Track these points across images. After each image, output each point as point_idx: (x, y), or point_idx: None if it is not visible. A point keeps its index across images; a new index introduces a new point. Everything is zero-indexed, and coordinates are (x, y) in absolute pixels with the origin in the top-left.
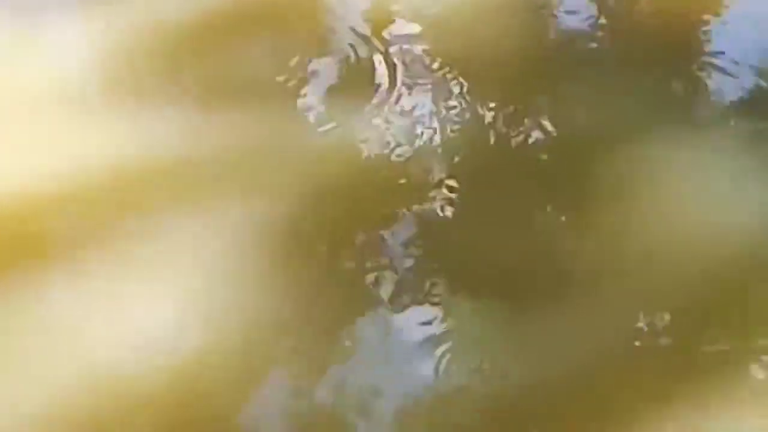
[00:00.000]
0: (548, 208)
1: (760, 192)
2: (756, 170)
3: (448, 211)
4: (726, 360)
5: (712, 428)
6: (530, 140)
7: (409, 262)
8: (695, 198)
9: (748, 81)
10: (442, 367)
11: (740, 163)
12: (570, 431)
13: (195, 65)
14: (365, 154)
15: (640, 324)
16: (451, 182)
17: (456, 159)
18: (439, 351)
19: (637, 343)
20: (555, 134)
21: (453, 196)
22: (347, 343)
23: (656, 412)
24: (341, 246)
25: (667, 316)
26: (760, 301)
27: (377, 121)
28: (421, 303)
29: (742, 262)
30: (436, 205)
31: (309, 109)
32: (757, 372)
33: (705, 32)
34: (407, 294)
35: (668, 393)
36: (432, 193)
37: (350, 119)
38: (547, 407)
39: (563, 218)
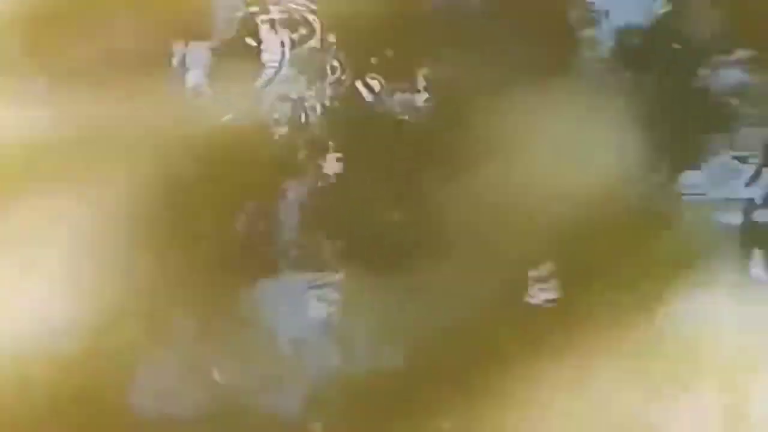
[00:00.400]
0: (429, 171)
1: (634, 142)
2: (629, 121)
3: (333, 180)
4: (612, 312)
5: (602, 380)
6: (410, 106)
7: (296, 233)
8: (572, 151)
9: (617, 33)
10: (332, 330)
11: (613, 114)
12: (462, 387)
13: (67, 43)
14: (250, 129)
15: (526, 278)
16: (337, 154)
17: (339, 130)
18: (329, 315)
19: (525, 299)
20: (433, 98)
21: (338, 166)
22: (238, 312)
23: (547, 365)
24: (229, 219)
25: (552, 268)
26: (641, 251)
27: (260, 96)
28: (309, 270)
29: (621, 212)
30: (322, 176)
31: (192, 87)
32: (643, 323)
33: None
34: (295, 262)
35: (558, 346)
36: (316, 165)
37: (234, 96)
38: (439, 365)
39: (444, 179)
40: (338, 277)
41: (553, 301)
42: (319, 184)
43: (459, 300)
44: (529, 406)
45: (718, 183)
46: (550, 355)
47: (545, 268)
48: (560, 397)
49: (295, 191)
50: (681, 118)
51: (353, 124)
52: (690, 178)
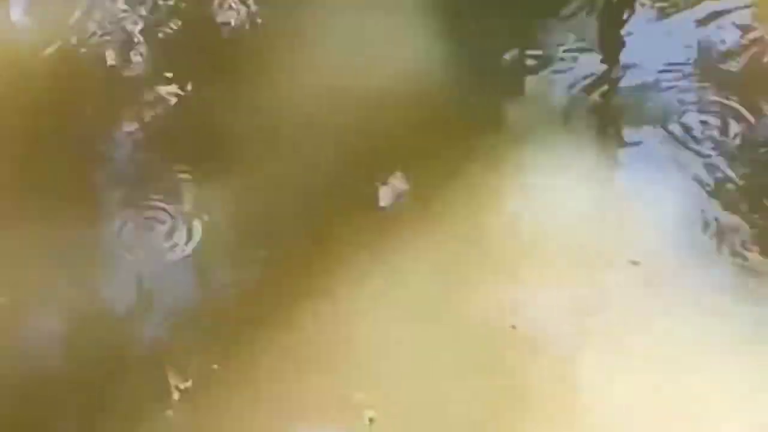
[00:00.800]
0: (263, 79)
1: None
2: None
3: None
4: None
5: (460, 265)
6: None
7: (138, 158)
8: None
9: None
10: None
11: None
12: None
13: None
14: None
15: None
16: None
17: (171, 54)
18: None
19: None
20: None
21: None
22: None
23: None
24: (69, 153)
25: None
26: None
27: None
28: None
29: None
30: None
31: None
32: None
33: None
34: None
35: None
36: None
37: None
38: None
39: (275, 87)
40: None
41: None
42: (158, 110)
43: (299, 195)
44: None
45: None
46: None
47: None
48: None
49: (133, 119)
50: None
51: (183, 46)
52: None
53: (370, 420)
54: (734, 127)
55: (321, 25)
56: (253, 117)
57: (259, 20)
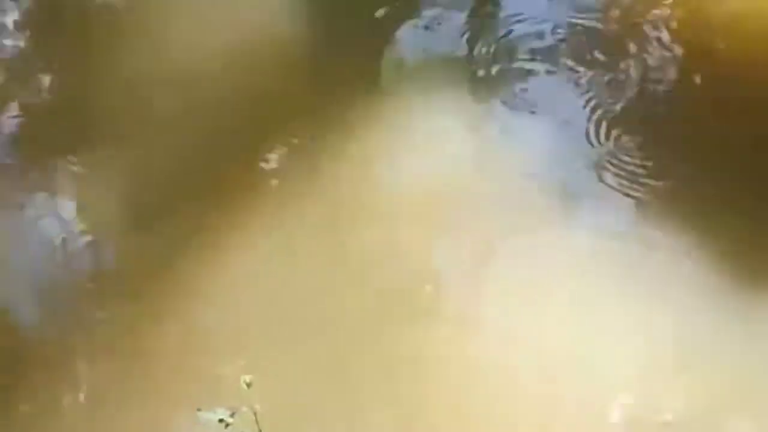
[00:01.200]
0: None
1: None
2: None
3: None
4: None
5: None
6: None
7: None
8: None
9: None
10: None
11: None
12: None
13: None
14: None
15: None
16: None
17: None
18: None
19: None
20: None
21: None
22: None
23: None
24: None
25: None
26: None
27: None
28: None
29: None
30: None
31: None
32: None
33: None
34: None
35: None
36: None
37: None
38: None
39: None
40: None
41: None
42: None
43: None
44: None
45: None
46: None
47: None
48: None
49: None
50: None
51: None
52: None
53: (248, 384)
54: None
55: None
56: (127, 93)
57: None
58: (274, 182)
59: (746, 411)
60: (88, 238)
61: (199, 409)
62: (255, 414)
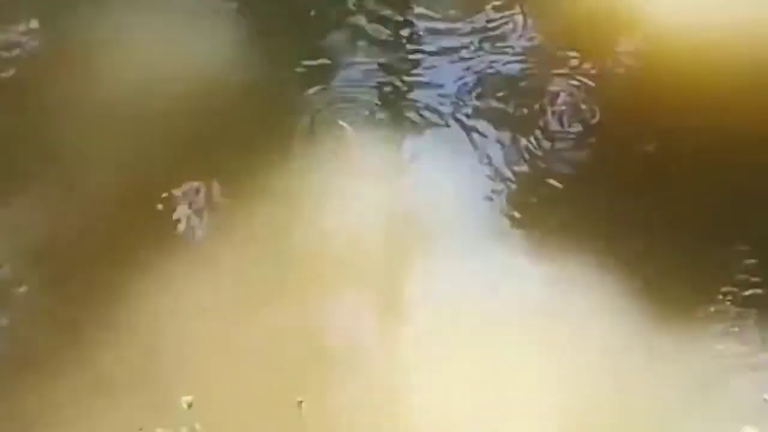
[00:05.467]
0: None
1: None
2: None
3: None
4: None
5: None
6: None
7: None
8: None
9: None
10: None
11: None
12: None
13: None
14: None
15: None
16: None
17: None
18: None
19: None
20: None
21: None
22: None
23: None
24: None
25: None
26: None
27: None
28: None
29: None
30: None
31: None
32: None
33: None
34: None
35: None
36: None
37: None
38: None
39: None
40: None
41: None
42: None
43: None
44: None
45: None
46: None
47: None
48: None
49: None
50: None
51: None
52: None
53: (188, 405)
54: None
55: (121, 30)
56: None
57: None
58: (189, 226)
59: None
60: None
61: (140, 429)
62: None
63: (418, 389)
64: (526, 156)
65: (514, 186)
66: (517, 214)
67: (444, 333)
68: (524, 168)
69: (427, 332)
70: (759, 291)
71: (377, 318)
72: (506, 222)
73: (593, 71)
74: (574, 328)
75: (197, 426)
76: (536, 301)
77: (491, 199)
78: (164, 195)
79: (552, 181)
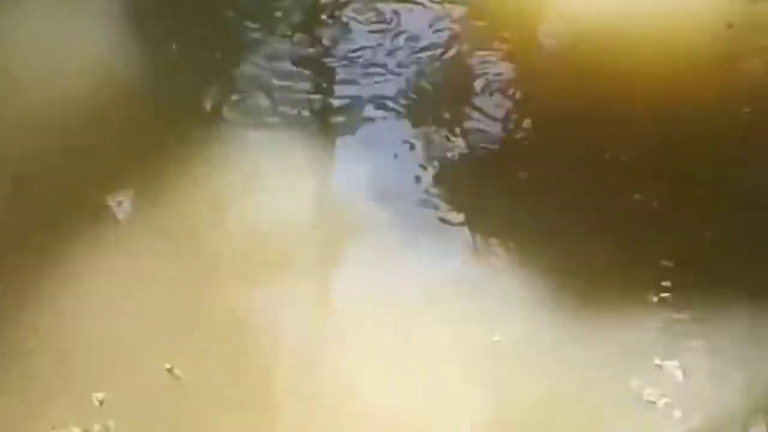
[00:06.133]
0: None
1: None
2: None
3: None
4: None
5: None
6: None
7: None
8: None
9: None
10: None
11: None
12: None
13: None
14: None
15: None
16: None
17: None
18: None
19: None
20: None
21: None
22: None
23: None
24: None
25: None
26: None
27: None
28: None
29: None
30: None
31: None
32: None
33: None
34: None
35: None
36: None
37: None
38: None
39: None
40: None
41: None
42: None
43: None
44: None
45: None
46: None
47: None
48: None
49: None
50: None
51: None
52: None
53: (100, 402)
54: None
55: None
56: None
57: None
58: (107, 229)
59: None
60: None
61: (53, 429)
62: (108, 431)
63: (346, 377)
64: (451, 143)
65: (439, 173)
66: (442, 202)
67: (370, 323)
68: (449, 154)
69: (354, 323)
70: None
71: (304, 311)
72: (432, 210)
73: (518, 53)
74: (497, 312)
75: (110, 423)
76: (462, 287)
77: (417, 187)
78: (91, 196)
79: (477, 166)
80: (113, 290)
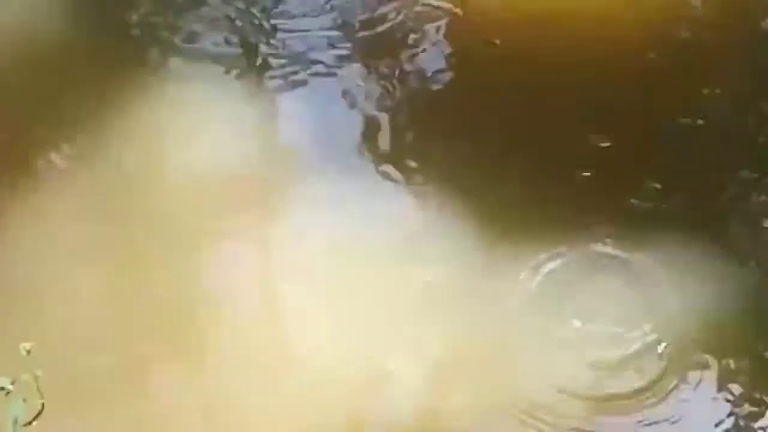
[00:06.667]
0: None
1: None
2: None
3: None
4: None
5: None
6: None
7: None
8: None
9: None
10: None
11: None
12: None
13: None
14: None
15: None
16: None
17: None
18: None
19: None
20: None
21: None
22: None
23: None
24: None
25: None
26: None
27: None
28: None
29: None
30: None
31: None
32: None
33: None
34: None
35: None
36: None
37: None
38: None
39: None
40: None
41: None
42: None
43: None
44: None
45: None
46: None
47: None
48: None
49: None
50: None
51: None
52: None
53: (27, 351)
54: None
55: None
56: None
57: None
58: (47, 178)
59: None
60: None
61: None
62: (36, 380)
63: (297, 322)
64: (390, 92)
65: (382, 124)
66: (384, 147)
67: (319, 266)
68: (389, 103)
69: (304, 266)
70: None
71: (246, 259)
72: (375, 155)
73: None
74: (438, 250)
75: (38, 372)
76: (407, 229)
77: (358, 135)
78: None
79: (416, 115)
80: (46, 242)
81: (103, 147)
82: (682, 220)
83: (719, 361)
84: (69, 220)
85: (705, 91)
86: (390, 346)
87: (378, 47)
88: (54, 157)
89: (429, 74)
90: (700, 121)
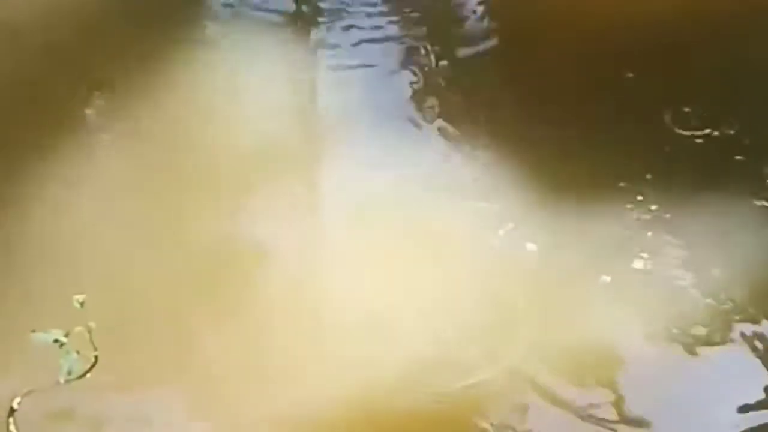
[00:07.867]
0: None
1: None
2: None
3: None
4: None
5: None
6: None
7: None
8: None
9: None
10: None
11: None
12: None
13: None
14: None
15: None
16: None
17: None
18: None
19: None
20: None
21: None
22: None
23: None
24: None
25: None
26: None
27: None
28: None
29: None
30: None
31: None
32: None
33: None
34: None
35: None
36: None
37: None
38: None
39: None
40: None
41: None
42: None
43: None
44: None
45: None
46: None
47: None
48: None
49: None
50: None
51: None
52: None
53: (81, 304)
54: None
55: None
56: None
57: None
58: (92, 135)
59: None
60: None
61: (33, 331)
62: (90, 332)
63: (332, 281)
64: (434, 55)
65: (428, 86)
66: (430, 108)
67: (356, 226)
68: (430, 67)
69: (340, 225)
70: None
71: (288, 221)
72: (423, 116)
73: None
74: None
75: (92, 324)
76: (445, 184)
77: (404, 96)
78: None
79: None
80: (95, 196)
81: (149, 104)
82: None
83: None
84: (116, 177)
85: None
86: (438, 300)
87: (427, 9)
88: (98, 116)
89: (478, 35)
90: None
